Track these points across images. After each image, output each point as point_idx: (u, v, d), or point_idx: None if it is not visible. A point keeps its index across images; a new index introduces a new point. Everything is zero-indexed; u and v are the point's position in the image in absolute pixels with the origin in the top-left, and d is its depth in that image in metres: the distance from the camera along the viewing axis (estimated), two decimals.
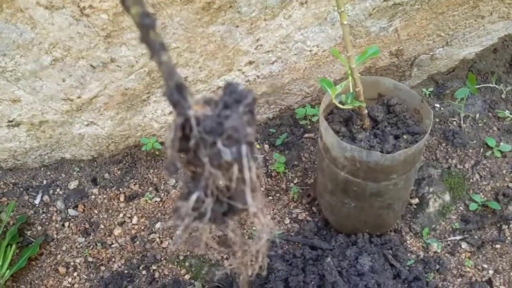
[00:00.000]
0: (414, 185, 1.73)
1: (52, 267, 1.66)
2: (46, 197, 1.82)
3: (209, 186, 0.54)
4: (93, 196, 1.81)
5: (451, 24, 1.81)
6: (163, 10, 1.42)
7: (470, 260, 1.59)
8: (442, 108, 1.97)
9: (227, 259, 1.64)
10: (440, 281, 1.55)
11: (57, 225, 1.75)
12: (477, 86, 1.89)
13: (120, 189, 1.83)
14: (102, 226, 1.74)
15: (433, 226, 1.67)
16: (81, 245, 1.71)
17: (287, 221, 1.72)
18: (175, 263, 1.64)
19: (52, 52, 1.47)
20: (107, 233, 1.73)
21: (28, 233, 1.74)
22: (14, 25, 1.37)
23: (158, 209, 1.78)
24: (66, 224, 1.75)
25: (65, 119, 1.69)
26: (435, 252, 1.61)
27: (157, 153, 1.87)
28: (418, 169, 1.42)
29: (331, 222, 1.64)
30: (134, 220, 1.75)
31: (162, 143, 1.85)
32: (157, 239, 1.70)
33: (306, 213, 1.74)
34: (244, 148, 0.51)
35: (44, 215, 1.78)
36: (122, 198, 1.80)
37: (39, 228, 1.75)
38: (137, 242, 1.70)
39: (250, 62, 1.69)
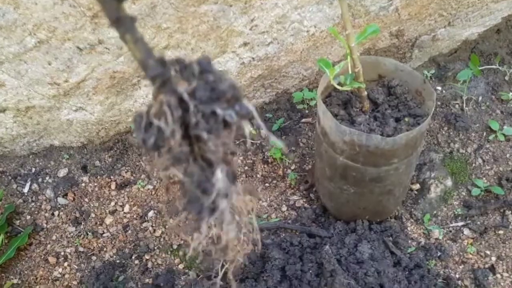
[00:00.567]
0: (415, 170, 1.67)
1: (42, 257, 1.61)
2: (35, 186, 1.76)
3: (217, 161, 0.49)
4: (83, 184, 1.76)
5: (453, 3, 1.74)
6: None
7: (473, 246, 1.54)
8: (444, 91, 1.91)
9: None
10: (441, 268, 1.50)
11: (46, 214, 1.70)
12: (480, 68, 1.83)
13: (111, 177, 1.77)
14: (93, 215, 1.69)
15: (435, 212, 1.62)
16: (71, 234, 1.65)
17: (284, 208, 1.67)
18: (169, 252, 1.59)
19: (36, 34, 1.40)
20: (98, 222, 1.67)
21: (17, 222, 1.68)
22: None
23: (150, 197, 1.72)
24: (56, 213, 1.70)
25: (52, 104, 1.62)
26: (436, 238, 1.57)
27: None
28: (420, 153, 1.36)
29: (329, 209, 1.59)
30: (126, 208, 1.70)
31: None
32: (150, 228, 1.65)
33: (304, 200, 1.69)
34: (245, 102, 0.48)
35: (33, 204, 1.73)
36: (113, 186, 1.75)
37: (28, 217, 1.69)
38: (129, 231, 1.65)
39: (245, 44, 1.62)
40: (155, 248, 1.61)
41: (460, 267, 1.51)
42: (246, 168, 1.77)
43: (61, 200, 1.72)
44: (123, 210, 1.70)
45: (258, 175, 1.75)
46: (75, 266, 1.58)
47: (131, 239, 1.63)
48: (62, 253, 1.61)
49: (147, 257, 1.59)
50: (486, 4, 1.80)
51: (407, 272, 1.44)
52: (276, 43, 1.66)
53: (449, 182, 1.67)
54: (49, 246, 1.63)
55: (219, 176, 0.50)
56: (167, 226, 1.64)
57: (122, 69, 1.55)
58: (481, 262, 1.51)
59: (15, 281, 1.56)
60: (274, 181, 1.74)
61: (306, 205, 1.67)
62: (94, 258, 1.60)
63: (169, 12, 1.43)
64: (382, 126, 1.28)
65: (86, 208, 1.71)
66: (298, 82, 1.87)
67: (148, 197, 1.72)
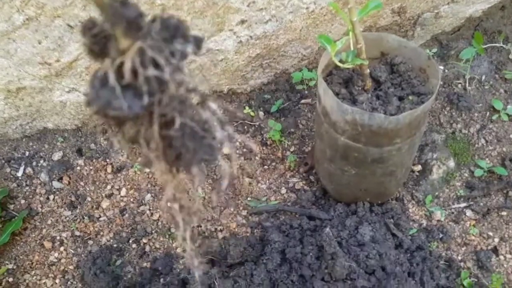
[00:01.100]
0: (417, 151, 1.64)
1: (38, 241, 1.58)
2: (29, 169, 1.72)
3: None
4: (78, 168, 1.72)
5: None
6: None
7: (475, 228, 1.52)
8: (446, 70, 1.86)
9: (221, 231, 1.56)
10: (443, 250, 1.48)
11: (41, 198, 1.66)
12: (483, 46, 1.78)
13: (107, 160, 1.73)
14: (89, 199, 1.66)
15: (437, 193, 1.60)
16: (67, 218, 1.62)
17: (283, 191, 1.64)
18: (167, 236, 1.57)
19: (24, 10, 1.34)
20: (94, 206, 1.64)
21: (11, 207, 1.65)
22: None
23: (147, 180, 1.69)
24: (51, 197, 1.66)
25: (44, 85, 1.57)
26: (438, 220, 1.54)
27: None
28: (423, 133, 1.33)
29: (329, 191, 1.56)
30: (123, 192, 1.66)
31: None
32: (147, 211, 1.62)
33: (304, 182, 1.65)
34: (197, 33, 0.46)
35: (27, 188, 1.69)
36: (109, 170, 1.71)
37: (23, 201, 1.66)
38: (126, 215, 1.62)
39: (242, 21, 1.57)
40: (153, 231, 1.58)
41: (463, 248, 1.49)
42: (245, 150, 1.73)
43: (56, 184, 1.69)
44: (119, 193, 1.66)
45: (257, 158, 1.72)
46: (72, 251, 1.56)
47: (128, 222, 1.60)
48: (58, 238, 1.59)
49: (144, 240, 1.56)
50: None
51: (408, 254, 1.42)
52: (275, 20, 1.60)
53: (451, 163, 1.64)
54: (44, 230, 1.60)
55: (213, 106, 0.48)
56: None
57: None
58: (484, 243, 1.49)
59: (10, 266, 1.53)
60: (273, 164, 1.71)
61: (305, 187, 1.64)
62: (90, 242, 1.57)
63: None
64: (384, 105, 1.24)
65: (82, 192, 1.68)
66: (297, 62, 1.82)
67: (145, 180, 1.69)
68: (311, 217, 1.53)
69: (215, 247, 1.49)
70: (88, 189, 1.68)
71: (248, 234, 1.54)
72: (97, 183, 1.69)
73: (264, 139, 1.75)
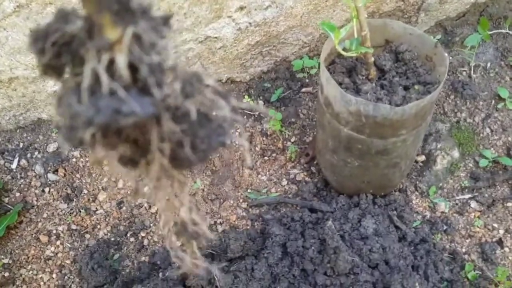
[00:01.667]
0: (421, 141, 1.60)
1: (33, 235, 1.55)
2: (23, 161, 1.68)
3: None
4: (74, 159, 1.68)
5: None
6: None
7: (480, 219, 1.49)
8: (451, 57, 1.81)
9: (220, 224, 1.53)
10: (448, 242, 1.46)
11: (36, 191, 1.63)
12: (489, 32, 1.73)
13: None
14: (85, 191, 1.62)
15: (441, 184, 1.56)
16: (63, 211, 1.59)
17: (284, 182, 1.61)
18: None
19: None
20: (91, 199, 1.60)
21: (6, 200, 1.61)
22: None
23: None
24: (46, 189, 1.63)
25: (37, 75, 1.52)
26: (442, 212, 1.51)
27: None
28: (428, 123, 1.29)
29: (331, 182, 1.53)
30: (120, 184, 1.63)
31: None
32: (145, 204, 1.58)
33: (305, 174, 1.62)
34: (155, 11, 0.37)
35: (22, 180, 1.65)
36: (106, 161, 1.66)
37: (18, 194, 1.62)
38: (124, 208, 1.58)
39: (241, 8, 1.51)
40: (151, 225, 1.55)
41: (467, 241, 1.46)
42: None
43: (51, 176, 1.65)
44: (116, 185, 1.63)
45: (256, 148, 1.68)
46: (68, 245, 1.53)
47: (125, 216, 1.57)
48: (54, 231, 1.55)
49: (142, 234, 1.53)
50: None
51: (412, 247, 1.39)
52: (275, 6, 1.55)
53: (456, 153, 1.60)
54: (40, 224, 1.57)
55: (211, 82, 0.41)
56: None
57: None
58: (489, 235, 1.46)
59: (5, 260, 1.50)
60: (274, 154, 1.67)
61: (307, 178, 1.61)
62: (87, 236, 1.54)
63: None
64: (389, 95, 1.20)
65: (78, 184, 1.64)
66: (298, 49, 1.77)
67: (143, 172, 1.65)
68: (312, 209, 1.50)
69: (215, 241, 1.46)
70: (84, 181, 1.64)
71: (248, 227, 1.51)
72: (93, 175, 1.65)
73: (264, 129, 1.71)
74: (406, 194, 1.55)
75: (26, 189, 1.63)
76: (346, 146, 1.28)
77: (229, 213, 1.55)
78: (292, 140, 1.69)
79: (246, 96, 1.76)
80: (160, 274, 1.42)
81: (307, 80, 1.79)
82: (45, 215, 1.58)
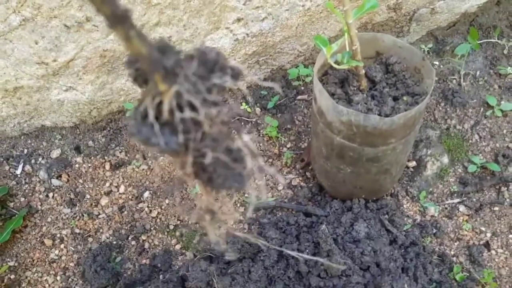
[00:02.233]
0: (412, 147, 1.66)
1: (38, 239, 1.61)
2: (28, 167, 1.73)
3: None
4: (77, 165, 1.73)
5: None
6: None
7: (468, 223, 1.55)
8: (441, 66, 1.87)
9: (218, 227, 1.58)
10: (437, 245, 1.52)
11: (41, 196, 1.68)
12: (478, 42, 1.79)
13: (105, 157, 1.75)
14: (88, 196, 1.68)
15: (431, 189, 1.62)
16: (67, 216, 1.64)
17: (280, 187, 1.67)
18: (165, 233, 1.59)
19: (20, 11, 1.34)
20: (93, 203, 1.66)
21: (11, 205, 1.67)
22: None
23: (146, 177, 1.71)
24: (50, 194, 1.68)
25: (42, 84, 1.58)
26: (432, 216, 1.57)
27: None
28: (417, 131, 1.35)
29: (326, 187, 1.59)
30: (121, 189, 1.68)
31: None
32: (146, 209, 1.64)
33: (300, 179, 1.68)
34: (233, 62, 0.49)
35: (26, 185, 1.71)
36: (107, 167, 1.72)
37: (22, 199, 1.68)
38: (125, 212, 1.64)
39: (239, 19, 1.57)
40: (152, 228, 1.60)
41: (455, 243, 1.52)
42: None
43: (55, 182, 1.70)
44: (118, 190, 1.68)
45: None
46: (72, 248, 1.58)
47: (127, 220, 1.62)
48: (58, 235, 1.61)
49: (143, 237, 1.59)
50: None
51: (403, 250, 1.45)
52: (271, 18, 1.61)
53: (445, 159, 1.66)
54: (44, 228, 1.63)
55: (246, 138, 0.51)
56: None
57: (112, 47, 1.50)
58: (476, 238, 1.52)
59: (11, 263, 1.56)
60: (270, 160, 1.73)
61: (302, 183, 1.67)
62: (90, 239, 1.60)
63: None
64: (380, 105, 1.26)
65: (81, 189, 1.69)
66: (293, 58, 1.83)
67: (143, 177, 1.70)
68: (307, 213, 1.56)
69: (213, 244, 1.52)
70: (87, 186, 1.70)
71: (245, 231, 1.57)
72: (95, 180, 1.71)
73: (260, 135, 1.77)
74: (397, 199, 1.60)
75: (30, 194, 1.69)
76: (338, 153, 1.33)
77: (227, 217, 1.60)
78: (288, 146, 1.75)
79: (243, 103, 1.82)
80: (161, 276, 1.48)
81: (302, 88, 1.85)
82: (49, 220, 1.64)
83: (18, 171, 1.73)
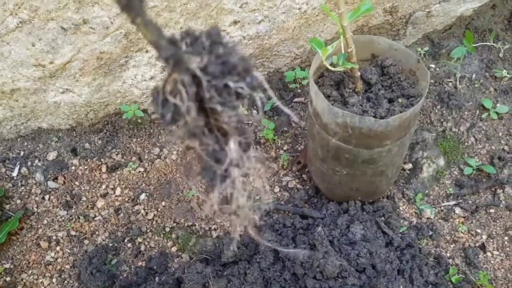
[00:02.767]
0: (408, 149, 1.67)
1: (34, 241, 1.60)
2: (24, 169, 1.73)
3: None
4: (73, 167, 1.73)
5: None
6: None
7: (464, 225, 1.55)
8: (437, 69, 1.88)
9: (215, 230, 1.59)
10: (433, 247, 1.52)
11: (37, 198, 1.68)
12: (474, 45, 1.80)
13: (102, 160, 1.75)
14: (84, 199, 1.67)
15: (427, 191, 1.63)
16: (63, 218, 1.64)
17: (276, 189, 1.67)
18: (162, 235, 1.59)
19: (18, 14, 1.34)
20: (89, 206, 1.66)
21: (7, 207, 1.66)
22: None
23: (142, 179, 1.70)
24: (47, 197, 1.68)
25: (38, 86, 1.58)
26: (428, 218, 1.58)
27: (139, 121, 1.78)
28: (413, 133, 1.35)
29: (322, 189, 1.59)
30: (118, 191, 1.68)
31: (144, 111, 1.75)
32: (142, 211, 1.64)
33: (297, 181, 1.68)
34: (255, 73, 0.50)
35: (23, 188, 1.70)
36: (104, 169, 1.72)
37: (18, 201, 1.68)
38: (121, 214, 1.64)
39: (235, 22, 1.58)
40: (148, 231, 1.60)
41: (451, 246, 1.52)
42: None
43: (51, 184, 1.70)
44: (114, 193, 1.68)
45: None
46: (68, 250, 1.58)
47: (123, 222, 1.62)
48: (54, 237, 1.60)
49: (139, 240, 1.58)
50: None
51: (398, 252, 1.45)
52: (267, 21, 1.61)
53: (441, 162, 1.67)
54: (40, 230, 1.62)
55: (232, 146, 0.52)
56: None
57: (109, 50, 1.50)
58: (472, 240, 1.53)
59: (7, 266, 1.55)
60: (267, 162, 1.73)
61: (298, 186, 1.67)
62: (86, 242, 1.59)
63: None
64: (375, 107, 1.26)
65: (77, 191, 1.69)
66: (290, 61, 1.83)
67: (139, 179, 1.70)
68: (303, 215, 1.56)
69: (209, 246, 1.52)
70: (83, 188, 1.70)
71: (241, 233, 1.56)
72: (92, 182, 1.71)
73: (257, 137, 1.77)
74: (393, 201, 1.61)
75: (26, 196, 1.69)
76: (334, 155, 1.34)
77: (223, 220, 1.60)
78: (285, 148, 1.75)
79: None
80: (157, 279, 1.47)
81: (299, 90, 1.86)
82: (45, 222, 1.64)
83: (15, 173, 1.73)
